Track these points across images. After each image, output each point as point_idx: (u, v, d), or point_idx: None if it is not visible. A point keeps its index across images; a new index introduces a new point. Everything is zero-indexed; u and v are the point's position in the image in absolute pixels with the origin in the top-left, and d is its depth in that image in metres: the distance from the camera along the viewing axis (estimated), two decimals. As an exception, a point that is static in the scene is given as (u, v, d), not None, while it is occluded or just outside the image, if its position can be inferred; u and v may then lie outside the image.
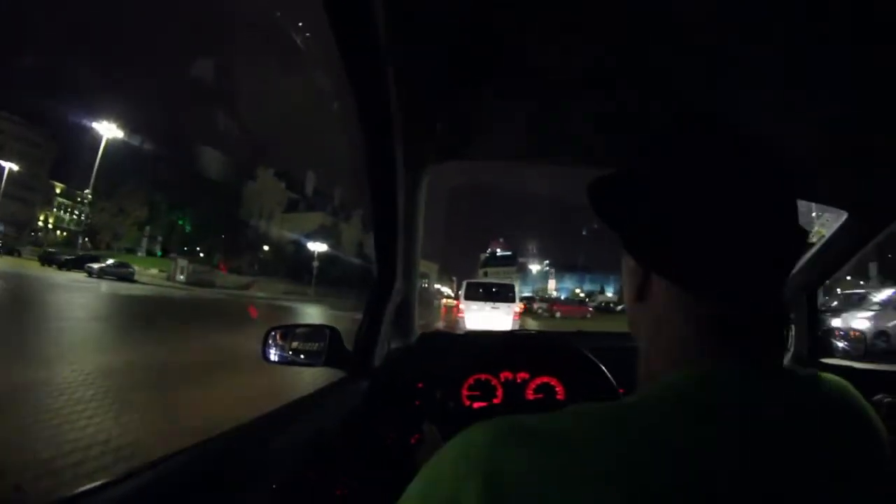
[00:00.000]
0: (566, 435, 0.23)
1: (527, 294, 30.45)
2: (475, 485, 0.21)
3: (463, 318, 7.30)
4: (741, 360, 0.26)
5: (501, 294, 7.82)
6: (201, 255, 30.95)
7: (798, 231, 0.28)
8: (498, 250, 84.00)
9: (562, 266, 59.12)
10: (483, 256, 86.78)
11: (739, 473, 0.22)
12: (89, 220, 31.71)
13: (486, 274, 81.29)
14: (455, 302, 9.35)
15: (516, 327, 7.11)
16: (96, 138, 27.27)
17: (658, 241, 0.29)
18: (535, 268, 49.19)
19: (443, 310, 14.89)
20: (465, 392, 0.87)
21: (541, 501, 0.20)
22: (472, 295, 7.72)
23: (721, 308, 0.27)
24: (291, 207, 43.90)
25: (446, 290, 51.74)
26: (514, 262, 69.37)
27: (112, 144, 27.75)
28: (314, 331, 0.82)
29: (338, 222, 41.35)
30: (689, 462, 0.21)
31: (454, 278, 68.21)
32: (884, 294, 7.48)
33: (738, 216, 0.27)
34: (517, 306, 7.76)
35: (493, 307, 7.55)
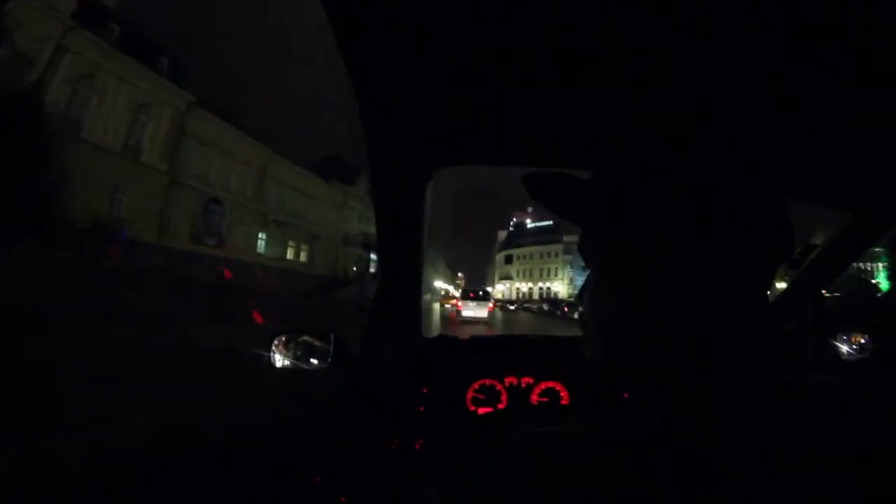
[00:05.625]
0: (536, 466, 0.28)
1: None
2: None
3: (461, 310, 17.24)
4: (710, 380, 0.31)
5: (482, 296, 17.81)
6: None
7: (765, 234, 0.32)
8: (528, 221, 64.15)
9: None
10: (503, 235, 68.79)
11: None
12: None
13: (507, 260, 64.06)
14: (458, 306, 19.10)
15: (488, 314, 16.90)
16: None
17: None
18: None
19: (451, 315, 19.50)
20: (469, 397, 1.00)
21: None
22: (465, 297, 17.89)
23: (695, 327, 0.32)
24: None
25: (441, 285, 40.70)
26: (559, 238, 50.95)
27: None
28: (318, 335, 0.95)
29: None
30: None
31: (460, 274, 64.21)
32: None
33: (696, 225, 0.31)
34: (490, 303, 18.48)
35: (477, 304, 17.02)
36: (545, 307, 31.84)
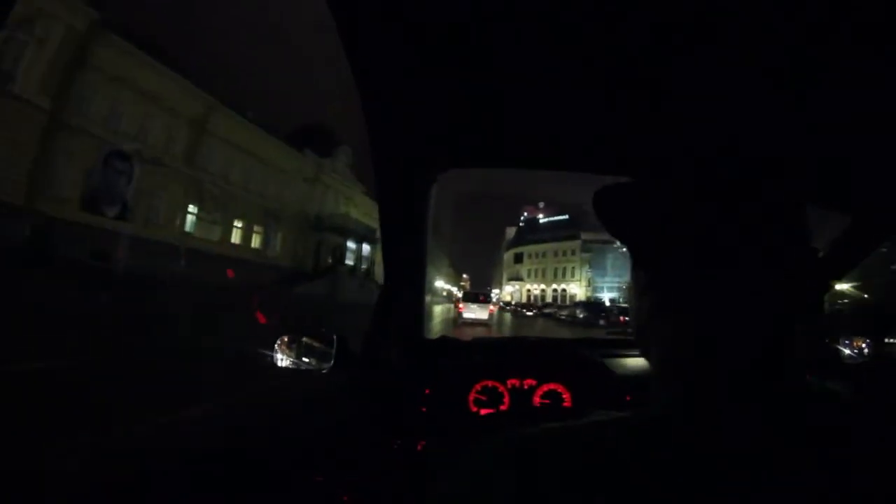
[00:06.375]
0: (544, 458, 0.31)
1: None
2: None
3: (462, 312, 18.54)
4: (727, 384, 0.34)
5: (483, 299, 19.89)
6: None
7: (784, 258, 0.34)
8: (540, 216, 60.40)
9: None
10: (511, 233, 66.46)
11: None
12: None
13: (517, 258, 61.10)
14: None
15: (488, 317, 18.37)
16: None
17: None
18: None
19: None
20: (472, 398, 1.08)
21: None
22: (467, 299, 20.04)
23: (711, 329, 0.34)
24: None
25: (444, 286, 40.25)
26: (576, 234, 46.82)
27: None
28: (321, 336, 1.04)
29: None
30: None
31: (465, 276, 67.95)
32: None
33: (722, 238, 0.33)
34: (491, 306, 20.54)
35: (479, 306, 18.39)
36: (579, 314, 21.57)
